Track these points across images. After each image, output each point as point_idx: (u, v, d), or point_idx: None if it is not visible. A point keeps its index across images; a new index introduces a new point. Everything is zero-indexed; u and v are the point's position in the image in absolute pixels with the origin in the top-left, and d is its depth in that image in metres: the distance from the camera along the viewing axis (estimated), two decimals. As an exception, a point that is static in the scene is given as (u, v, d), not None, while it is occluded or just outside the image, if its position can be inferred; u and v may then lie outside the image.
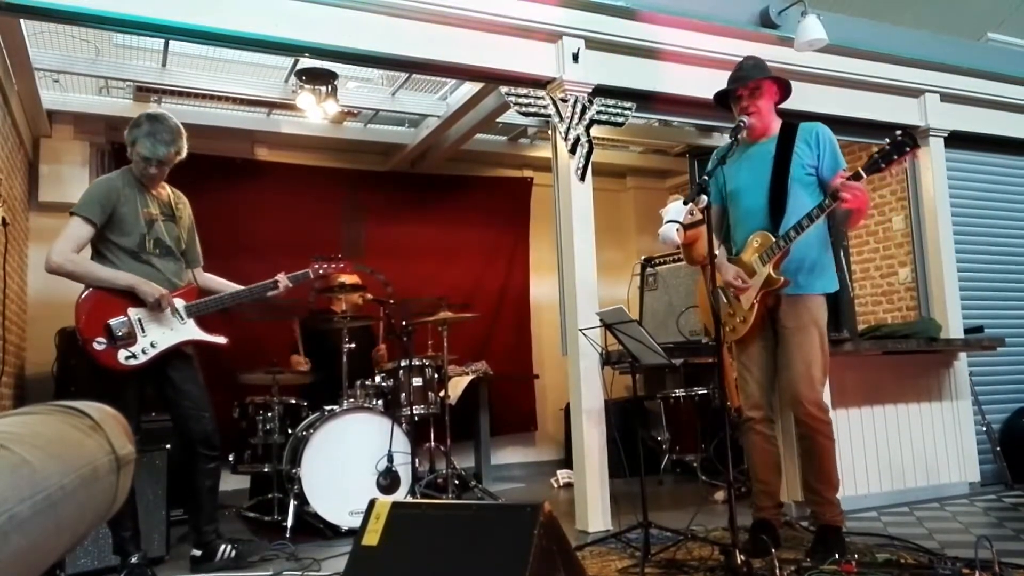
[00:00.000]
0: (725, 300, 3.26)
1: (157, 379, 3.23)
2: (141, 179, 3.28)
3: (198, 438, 3.26)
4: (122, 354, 3.08)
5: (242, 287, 3.45)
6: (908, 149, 2.80)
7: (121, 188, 3.20)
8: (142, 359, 3.11)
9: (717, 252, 3.13)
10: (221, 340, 3.34)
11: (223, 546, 3.26)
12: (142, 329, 3.14)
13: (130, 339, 3.10)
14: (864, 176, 2.84)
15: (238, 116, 5.67)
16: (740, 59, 3.36)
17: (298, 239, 5.56)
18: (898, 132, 2.85)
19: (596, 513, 3.85)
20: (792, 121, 3.27)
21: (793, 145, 3.14)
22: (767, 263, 3.07)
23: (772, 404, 3.26)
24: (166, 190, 3.39)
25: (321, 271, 3.69)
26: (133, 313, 3.13)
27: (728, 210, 3.35)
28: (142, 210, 3.23)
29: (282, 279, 3.51)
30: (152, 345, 3.14)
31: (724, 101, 3.32)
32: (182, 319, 3.23)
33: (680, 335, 4.67)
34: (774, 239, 3.06)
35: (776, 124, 3.26)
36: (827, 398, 4.08)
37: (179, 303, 3.25)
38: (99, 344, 3.06)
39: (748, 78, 3.20)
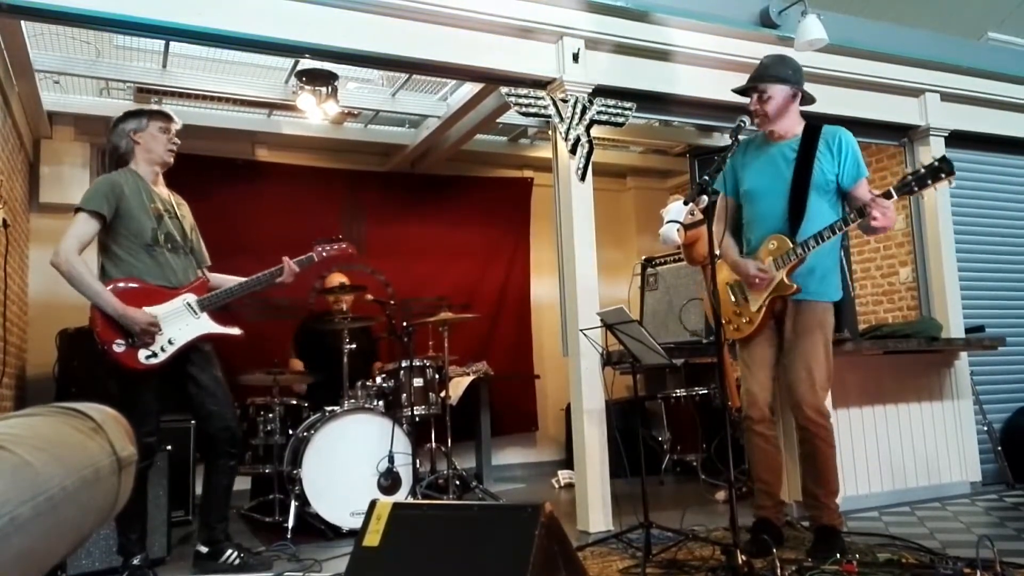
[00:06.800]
0: (732, 299, 3.26)
1: (178, 378, 3.23)
2: (159, 162, 3.28)
3: (222, 437, 3.26)
4: (142, 354, 3.08)
5: (249, 277, 3.43)
6: (943, 176, 2.84)
7: (124, 183, 3.19)
8: (162, 357, 3.11)
9: (719, 249, 3.12)
10: (236, 331, 3.34)
11: (230, 550, 3.24)
12: (158, 327, 3.13)
13: (148, 338, 3.10)
14: (895, 196, 2.87)
15: (238, 117, 5.67)
16: (738, 58, 3.34)
17: (298, 239, 5.48)
18: (938, 158, 2.89)
19: (597, 513, 3.85)
20: (816, 123, 3.22)
21: (815, 150, 3.10)
22: (782, 268, 3.06)
23: (773, 405, 3.24)
24: (165, 190, 3.39)
25: (325, 253, 3.67)
26: (148, 311, 3.12)
27: (742, 207, 3.31)
28: (149, 205, 3.22)
29: (287, 262, 3.48)
30: (170, 342, 3.14)
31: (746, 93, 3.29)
32: (196, 314, 3.24)
33: (684, 330, 4.66)
34: (791, 245, 3.04)
35: (798, 126, 3.20)
36: (828, 401, 4.08)
37: (192, 298, 3.25)
38: (119, 346, 3.05)
39: (758, 80, 3.17)
